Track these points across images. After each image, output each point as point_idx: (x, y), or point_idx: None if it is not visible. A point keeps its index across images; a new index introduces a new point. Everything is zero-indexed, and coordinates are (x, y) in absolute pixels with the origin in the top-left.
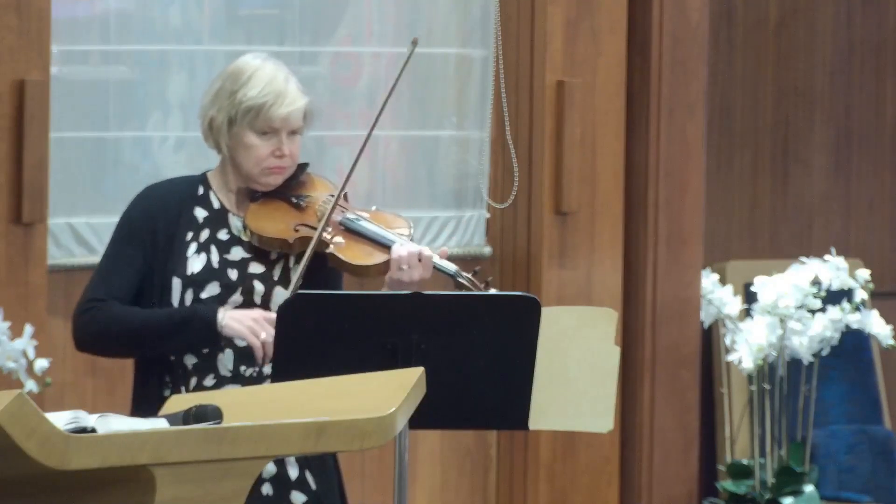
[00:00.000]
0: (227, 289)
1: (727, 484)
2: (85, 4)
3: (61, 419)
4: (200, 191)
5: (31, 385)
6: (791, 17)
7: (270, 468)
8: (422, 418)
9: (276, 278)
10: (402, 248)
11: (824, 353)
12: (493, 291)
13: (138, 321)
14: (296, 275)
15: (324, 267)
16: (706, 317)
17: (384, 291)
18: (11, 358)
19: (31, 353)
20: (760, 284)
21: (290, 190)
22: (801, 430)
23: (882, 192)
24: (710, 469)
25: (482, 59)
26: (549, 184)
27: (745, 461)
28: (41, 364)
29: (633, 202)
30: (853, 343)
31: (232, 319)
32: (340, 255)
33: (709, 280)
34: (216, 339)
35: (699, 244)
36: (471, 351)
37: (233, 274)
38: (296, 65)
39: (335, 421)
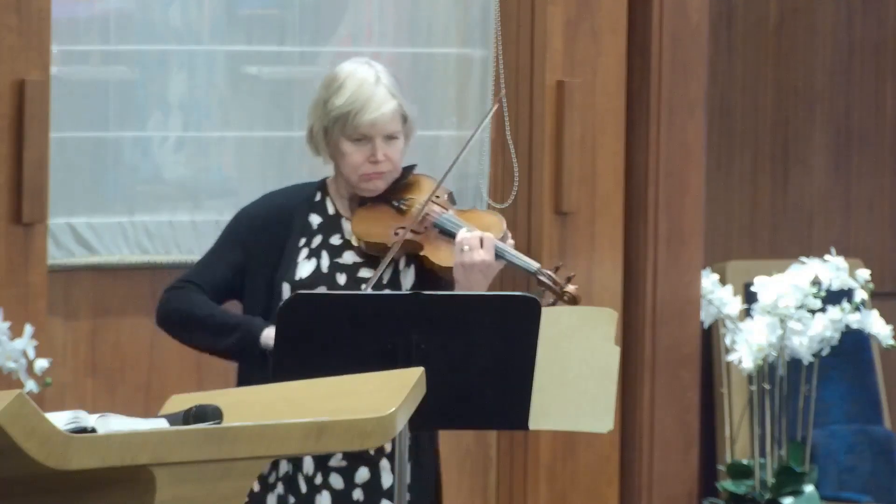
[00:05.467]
0: None
1: (727, 484)
2: (85, 4)
3: (61, 419)
4: (318, 197)
5: (31, 385)
6: (791, 17)
7: (364, 473)
8: (422, 418)
9: (384, 282)
10: (466, 231)
11: (824, 353)
12: (571, 288)
13: (203, 313)
14: (384, 277)
15: (433, 273)
16: (706, 317)
17: (384, 292)
18: (11, 358)
19: (31, 353)
20: (760, 284)
21: (394, 193)
22: (801, 430)
23: (882, 192)
24: (710, 469)
25: (482, 59)
26: (549, 184)
27: (745, 461)
28: (41, 364)
29: (633, 202)
30: (853, 343)
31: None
32: (431, 258)
33: (709, 280)
34: (260, 353)
35: (699, 244)
36: (471, 351)
37: (341, 278)
38: (296, 65)
39: (335, 421)
